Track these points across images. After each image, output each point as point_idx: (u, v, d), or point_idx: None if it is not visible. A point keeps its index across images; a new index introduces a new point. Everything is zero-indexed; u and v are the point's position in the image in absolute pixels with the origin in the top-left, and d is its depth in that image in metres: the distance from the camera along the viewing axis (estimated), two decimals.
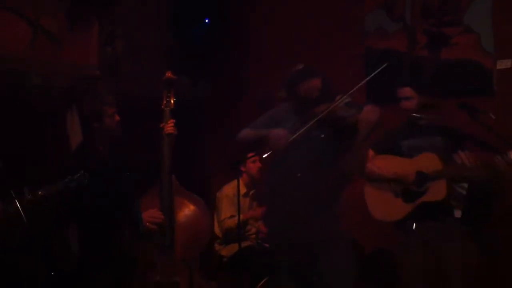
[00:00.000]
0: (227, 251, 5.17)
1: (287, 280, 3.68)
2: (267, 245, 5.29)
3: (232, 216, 5.11)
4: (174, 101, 4.15)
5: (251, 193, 5.31)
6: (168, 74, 4.18)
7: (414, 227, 3.97)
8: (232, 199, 5.16)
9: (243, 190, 5.09)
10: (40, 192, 3.57)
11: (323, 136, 3.63)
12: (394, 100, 5.35)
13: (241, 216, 4.83)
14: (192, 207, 4.15)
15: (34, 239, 4.19)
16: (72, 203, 3.73)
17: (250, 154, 5.05)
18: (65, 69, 5.03)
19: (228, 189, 5.26)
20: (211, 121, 6.29)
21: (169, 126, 4.05)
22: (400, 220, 4.03)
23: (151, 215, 3.95)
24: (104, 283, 3.74)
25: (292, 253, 3.64)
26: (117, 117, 3.84)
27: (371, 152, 4.19)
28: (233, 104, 6.09)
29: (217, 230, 5.26)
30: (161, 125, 4.08)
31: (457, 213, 4.23)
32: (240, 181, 4.86)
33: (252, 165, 5.21)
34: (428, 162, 4.00)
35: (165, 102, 4.15)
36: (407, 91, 4.12)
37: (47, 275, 4.42)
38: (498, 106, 4.41)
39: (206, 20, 5.79)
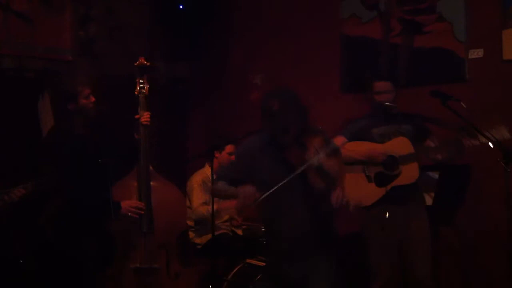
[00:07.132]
0: (201, 239, 5.16)
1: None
2: (240, 232, 5.36)
3: (204, 203, 5.10)
4: (147, 87, 4.15)
5: None
6: (141, 60, 4.16)
7: (387, 216, 4.00)
8: (201, 185, 5.15)
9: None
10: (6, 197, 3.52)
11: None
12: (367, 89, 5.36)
13: (215, 206, 4.73)
14: (167, 192, 4.20)
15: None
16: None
17: (229, 146, 5.10)
18: (37, 52, 4.98)
19: (197, 177, 5.23)
20: (193, 103, 6.28)
21: (145, 118, 4.06)
22: (372, 204, 4.08)
23: (132, 205, 3.96)
24: (83, 266, 3.75)
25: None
26: (93, 98, 3.81)
27: (342, 139, 4.19)
28: (215, 86, 6.09)
29: (189, 220, 5.18)
30: (136, 116, 4.08)
31: (428, 200, 4.31)
32: (210, 168, 4.81)
33: (227, 157, 5.16)
34: (401, 146, 4.07)
35: (138, 88, 4.15)
36: (386, 85, 4.16)
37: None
38: (469, 95, 4.47)
39: (181, 7, 5.72)
